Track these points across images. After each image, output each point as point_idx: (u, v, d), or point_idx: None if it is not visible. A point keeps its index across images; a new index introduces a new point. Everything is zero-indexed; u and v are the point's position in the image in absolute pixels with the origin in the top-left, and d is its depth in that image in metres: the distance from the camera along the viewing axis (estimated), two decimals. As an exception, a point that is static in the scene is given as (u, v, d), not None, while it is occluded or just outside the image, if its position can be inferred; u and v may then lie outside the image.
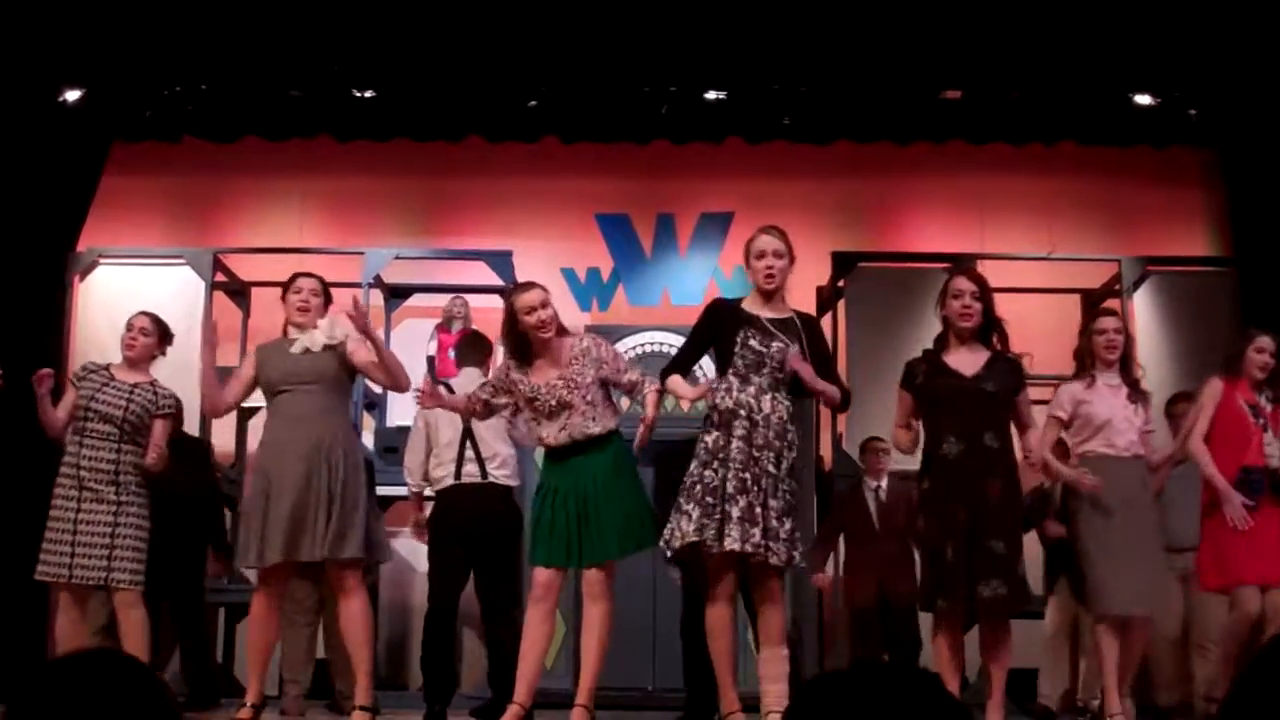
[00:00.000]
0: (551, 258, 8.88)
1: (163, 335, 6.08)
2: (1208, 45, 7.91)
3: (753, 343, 5.13)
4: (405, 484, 6.58)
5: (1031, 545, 6.35)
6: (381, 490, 7.42)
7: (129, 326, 5.99)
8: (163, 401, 5.92)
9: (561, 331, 5.42)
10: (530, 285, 5.47)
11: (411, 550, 8.60)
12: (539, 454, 5.62)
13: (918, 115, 8.60)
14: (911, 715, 1.37)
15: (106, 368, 5.98)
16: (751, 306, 5.26)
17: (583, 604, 5.38)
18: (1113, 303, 7.75)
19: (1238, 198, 8.57)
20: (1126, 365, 5.77)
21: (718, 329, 5.24)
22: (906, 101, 8.50)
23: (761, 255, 5.25)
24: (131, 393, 5.84)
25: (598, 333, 6.23)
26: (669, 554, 5.21)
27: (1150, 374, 6.44)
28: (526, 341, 5.37)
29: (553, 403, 5.31)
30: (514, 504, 6.31)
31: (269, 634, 5.51)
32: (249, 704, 5.42)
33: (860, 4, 7.80)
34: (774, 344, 5.13)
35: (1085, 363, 5.78)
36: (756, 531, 4.94)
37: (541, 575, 5.36)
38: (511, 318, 5.38)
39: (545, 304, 5.36)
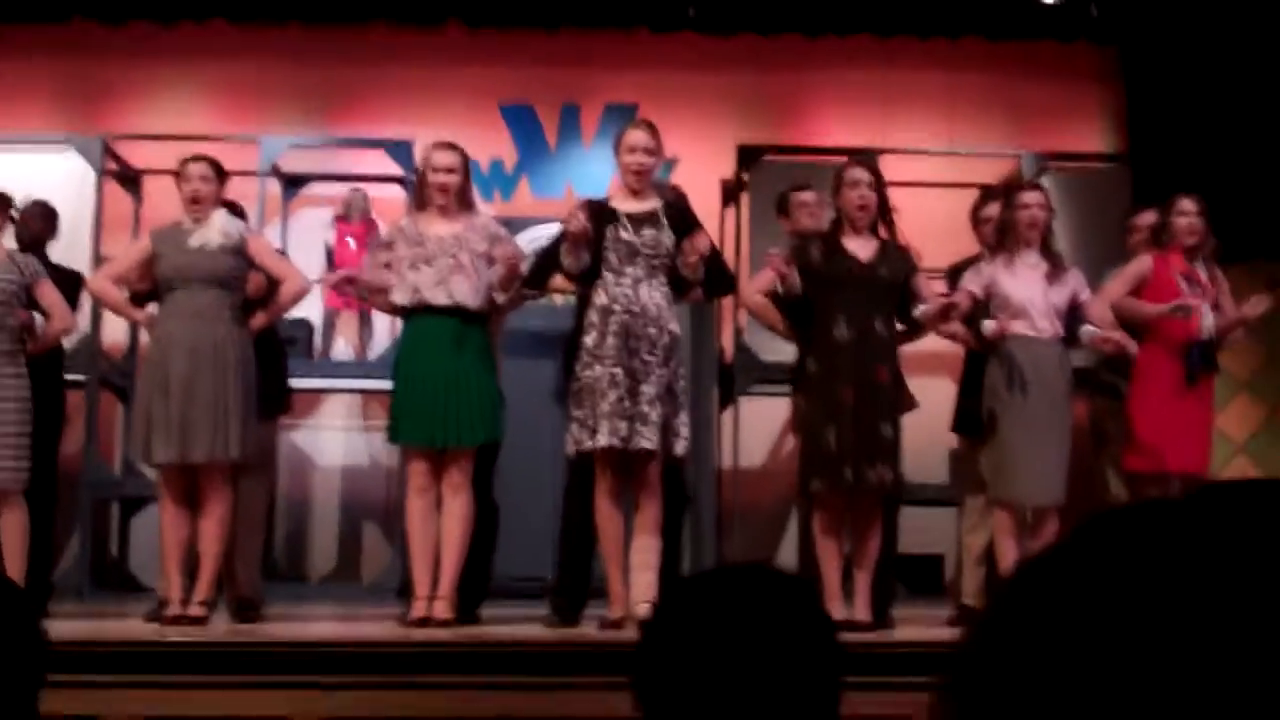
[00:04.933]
0: (453, 148, 8.73)
1: (2, 203, 5.86)
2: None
3: (624, 235, 5.20)
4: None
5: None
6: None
7: None
8: (27, 268, 5.65)
9: (467, 205, 5.45)
10: (447, 146, 5.49)
11: (311, 444, 8.56)
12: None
13: (824, 7, 8.55)
14: (772, 626, 1.35)
15: None
16: (618, 202, 5.31)
17: (442, 493, 5.39)
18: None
19: (1135, 95, 8.65)
20: (1048, 243, 5.68)
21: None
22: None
23: (632, 150, 5.33)
24: None
25: (501, 223, 6.22)
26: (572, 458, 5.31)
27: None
28: (427, 196, 5.45)
29: (438, 252, 5.31)
30: None
31: (178, 534, 5.46)
32: (173, 599, 5.40)
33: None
34: (645, 232, 5.19)
35: (1005, 239, 5.68)
36: (624, 425, 5.04)
37: (419, 464, 5.38)
38: (422, 172, 5.50)
39: (451, 169, 5.40)
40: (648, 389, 5.11)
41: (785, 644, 1.35)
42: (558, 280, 5.49)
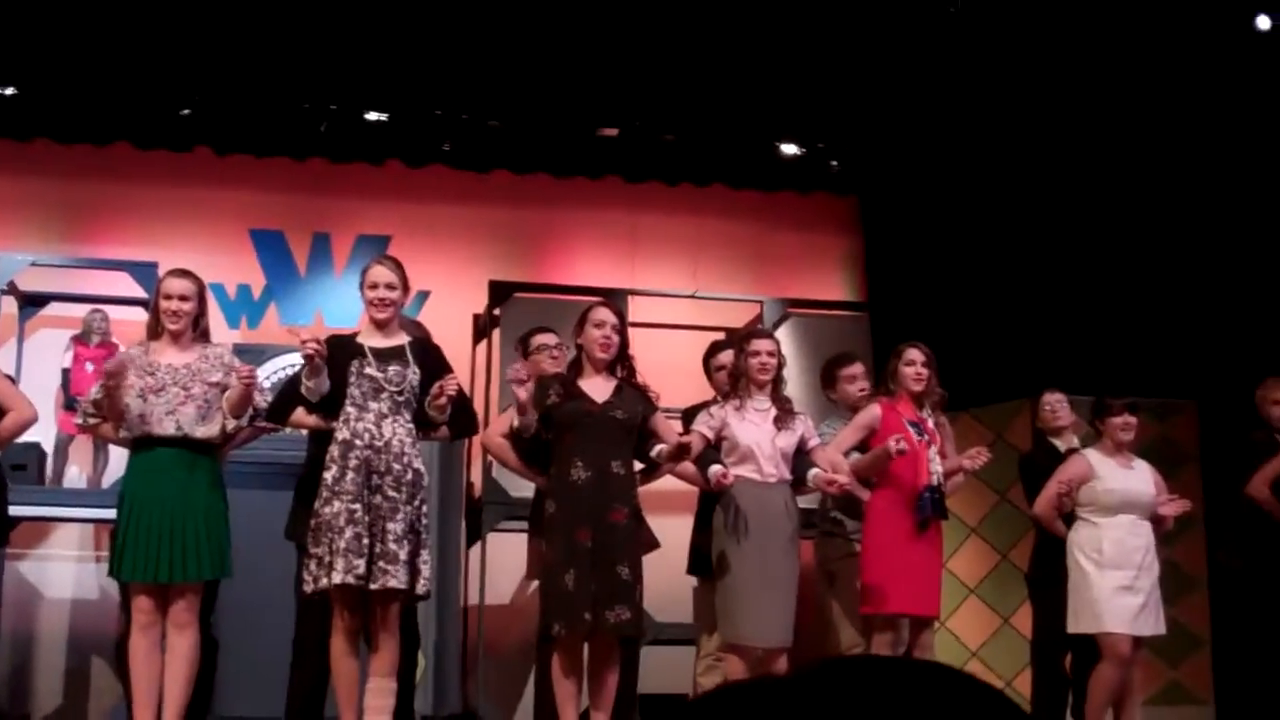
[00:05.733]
0: (200, 271, 8.24)
1: None
2: (851, 100, 8.35)
3: (369, 370, 5.18)
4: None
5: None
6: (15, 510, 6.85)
7: None
8: None
9: (202, 335, 5.37)
10: (181, 274, 5.39)
11: (38, 574, 8.17)
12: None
13: (575, 150, 8.77)
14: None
15: None
16: (365, 337, 5.31)
17: (167, 632, 5.25)
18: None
19: (873, 245, 9.07)
20: (776, 389, 5.83)
21: (331, 364, 5.21)
22: (564, 136, 8.65)
23: (374, 286, 5.34)
24: None
25: (247, 351, 6.13)
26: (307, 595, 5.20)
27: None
28: (159, 324, 5.35)
29: (169, 382, 5.20)
30: None
31: None
32: None
33: (522, 38, 7.87)
34: (390, 368, 5.19)
35: (737, 385, 5.82)
36: (361, 563, 4.98)
37: (143, 600, 5.22)
38: (155, 299, 5.39)
39: (185, 297, 5.30)
40: (394, 526, 5.06)
41: None
42: (299, 415, 5.40)
